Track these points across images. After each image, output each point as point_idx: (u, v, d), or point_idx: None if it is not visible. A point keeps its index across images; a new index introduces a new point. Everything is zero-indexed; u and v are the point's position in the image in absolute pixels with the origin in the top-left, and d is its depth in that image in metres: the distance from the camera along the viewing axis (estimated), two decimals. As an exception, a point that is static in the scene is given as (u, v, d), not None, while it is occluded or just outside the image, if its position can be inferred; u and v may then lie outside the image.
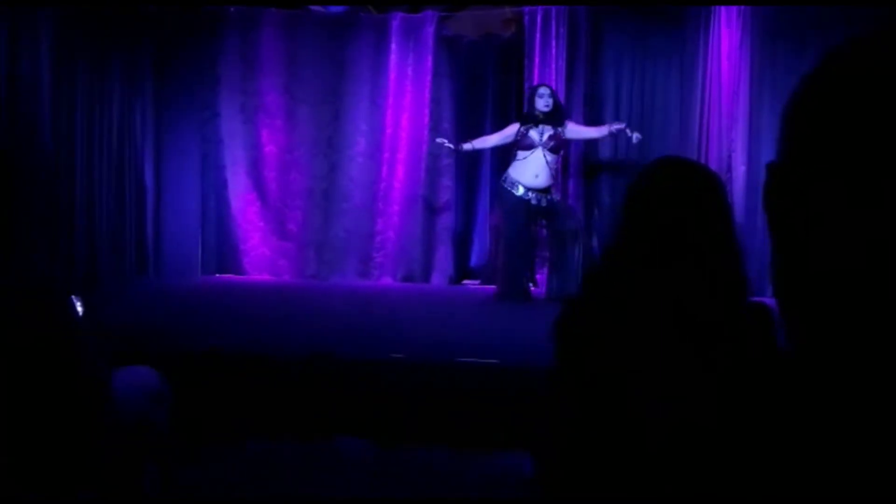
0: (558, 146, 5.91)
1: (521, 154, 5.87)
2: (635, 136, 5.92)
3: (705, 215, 1.36)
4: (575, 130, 6.04)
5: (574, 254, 5.86)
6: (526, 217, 5.85)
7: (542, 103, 5.86)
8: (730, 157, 6.39)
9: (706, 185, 1.39)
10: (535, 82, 6.43)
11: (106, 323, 4.08)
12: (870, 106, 0.49)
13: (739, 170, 6.37)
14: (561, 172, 6.62)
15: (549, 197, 5.89)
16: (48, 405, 1.56)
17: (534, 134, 5.85)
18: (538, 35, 6.64)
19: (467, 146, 6.15)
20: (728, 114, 6.37)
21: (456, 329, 4.88)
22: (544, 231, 6.19)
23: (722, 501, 0.54)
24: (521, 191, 5.81)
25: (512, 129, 6.00)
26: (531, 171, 5.82)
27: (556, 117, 5.88)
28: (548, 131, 5.85)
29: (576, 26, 6.63)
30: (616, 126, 6.01)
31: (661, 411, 1.24)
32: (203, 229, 7.17)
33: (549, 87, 6.04)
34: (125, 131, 6.77)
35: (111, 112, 6.61)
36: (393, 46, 6.94)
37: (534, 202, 5.82)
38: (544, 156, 5.82)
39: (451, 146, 6.19)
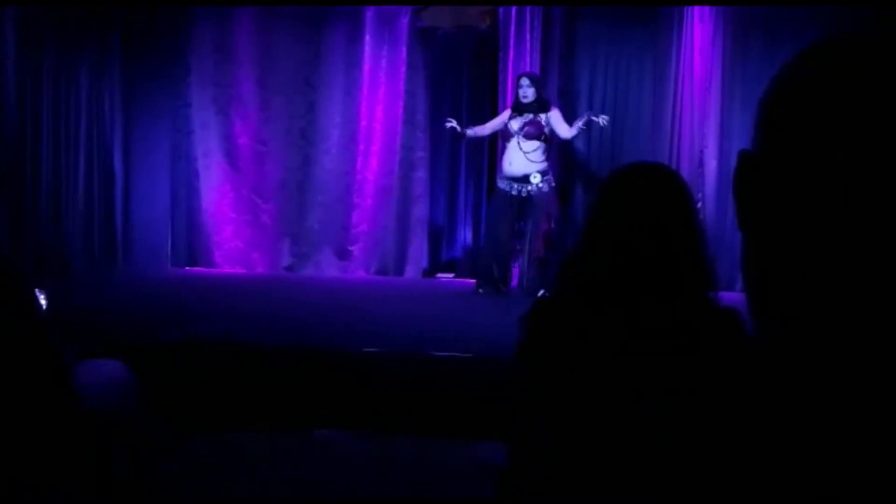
0: (535, 133, 5.76)
1: (503, 145, 5.92)
2: (602, 119, 5.76)
3: (673, 218, 1.40)
4: (556, 120, 5.84)
5: (547, 249, 5.86)
6: (505, 208, 5.83)
7: (521, 94, 5.84)
8: (701, 152, 6.43)
9: (674, 190, 1.43)
10: (510, 74, 6.41)
11: (74, 312, 4.03)
12: (852, 102, 0.48)
13: (711, 164, 6.42)
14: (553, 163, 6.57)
15: (528, 187, 5.78)
16: (11, 399, 1.53)
17: (513, 123, 5.84)
18: (513, 27, 6.64)
19: (470, 132, 6.11)
20: (700, 109, 6.42)
21: (430, 322, 4.88)
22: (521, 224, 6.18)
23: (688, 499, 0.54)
24: (501, 182, 5.84)
25: (504, 116, 5.98)
26: (507, 159, 5.84)
27: (539, 106, 5.82)
28: (526, 119, 5.80)
29: (550, 19, 6.64)
30: (579, 123, 5.76)
31: (631, 409, 1.25)
32: (173, 221, 7.10)
33: (531, 76, 5.94)
34: (93, 120, 6.67)
35: (79, 100, 6.51)
36: (367, 37, 6.89)
37: (513, 192, 5.80)
38: (518, 143, 5.77)
39: (458, 129, 6.06)
